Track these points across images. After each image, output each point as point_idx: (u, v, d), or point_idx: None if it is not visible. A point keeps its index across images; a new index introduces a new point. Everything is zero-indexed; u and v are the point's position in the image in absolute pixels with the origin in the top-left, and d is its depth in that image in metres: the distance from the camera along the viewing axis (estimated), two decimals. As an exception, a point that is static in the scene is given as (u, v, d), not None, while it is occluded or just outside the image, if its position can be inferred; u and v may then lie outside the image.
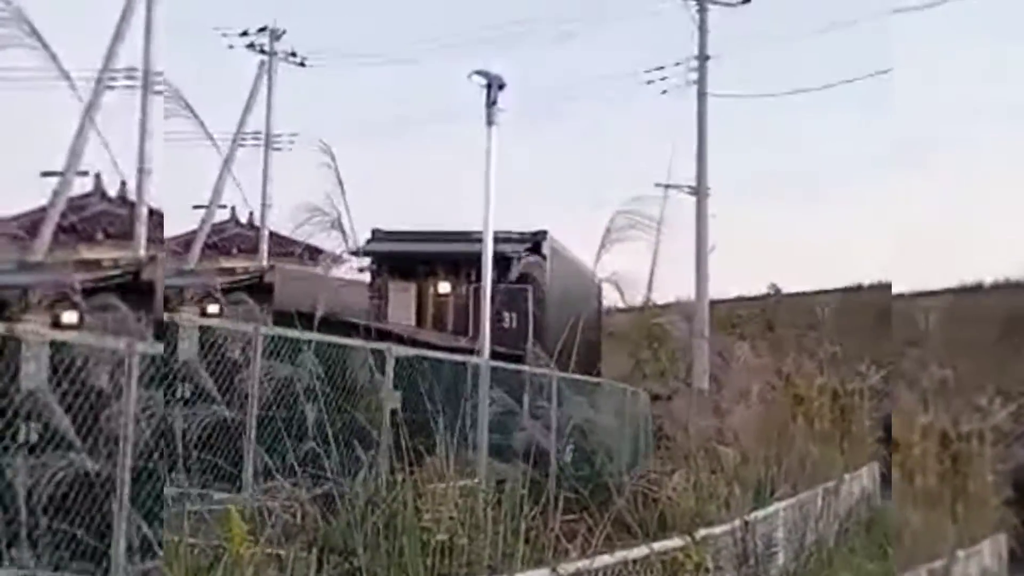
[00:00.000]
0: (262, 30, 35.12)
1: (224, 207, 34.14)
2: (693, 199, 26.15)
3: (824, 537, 13.04)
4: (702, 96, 26.66)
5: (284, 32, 35.42)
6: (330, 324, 13.89)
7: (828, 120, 34.90)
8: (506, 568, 6.46)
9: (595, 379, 19.18)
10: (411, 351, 13.49)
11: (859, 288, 30.31)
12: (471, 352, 15.78)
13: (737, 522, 9.37)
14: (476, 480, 8.62)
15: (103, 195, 24.73)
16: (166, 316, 10.81)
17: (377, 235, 24.30)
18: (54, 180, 20.21)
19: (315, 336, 11.35)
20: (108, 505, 7.94)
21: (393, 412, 11.34)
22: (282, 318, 13.62)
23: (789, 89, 26.37)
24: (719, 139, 27.21)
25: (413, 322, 23.51)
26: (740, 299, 32.30)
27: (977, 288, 11.79)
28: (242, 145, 34.49)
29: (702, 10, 27.10)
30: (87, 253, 20.46)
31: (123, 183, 24.41)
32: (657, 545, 7.49)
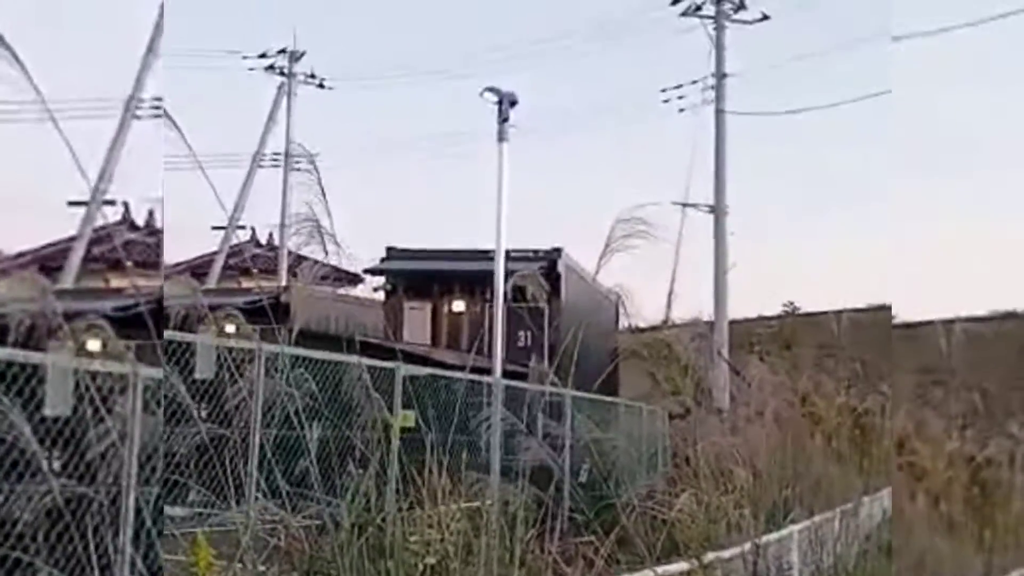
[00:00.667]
0: (281, 52, 35.40)
1: (243, 227, 34.34)
2: (710, 217, 26.03)
3: (842, 560, 12.75)
4: (719, 114, 26.57)
5: (304, 54, 35.70)
6: (344, 343, 13.80)
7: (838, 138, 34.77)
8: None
9: (611, 398, 19.00)
10: (424, 370, 13.39)
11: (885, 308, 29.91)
12: (485, 371, 15.67)
13: (748, 545, 9.15)
14: (489, 502, 8.46)
15: (132, 224, 24.96)
16: (167, 334, 10.85)
17: (392, 253, 24.25)
18: (80, 209, 20.38)
19: (320, 354, 11.26)
20: (108, 530, 7.86)
21: (405, 430, 11.22)
22: (301, 338, 13.55)
23: (802, 106, 26.27)
24: (736, 157, 27.12)
25: (428, 341, 23.41)
26: (759, 318, 32.04)
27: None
28: (261, 166, 34.70)
29: (719, 28, 27.04)
30: (116, 281, 20.45)
31: (150, 212, 24.63)
32: (661, 569, 7.31)
